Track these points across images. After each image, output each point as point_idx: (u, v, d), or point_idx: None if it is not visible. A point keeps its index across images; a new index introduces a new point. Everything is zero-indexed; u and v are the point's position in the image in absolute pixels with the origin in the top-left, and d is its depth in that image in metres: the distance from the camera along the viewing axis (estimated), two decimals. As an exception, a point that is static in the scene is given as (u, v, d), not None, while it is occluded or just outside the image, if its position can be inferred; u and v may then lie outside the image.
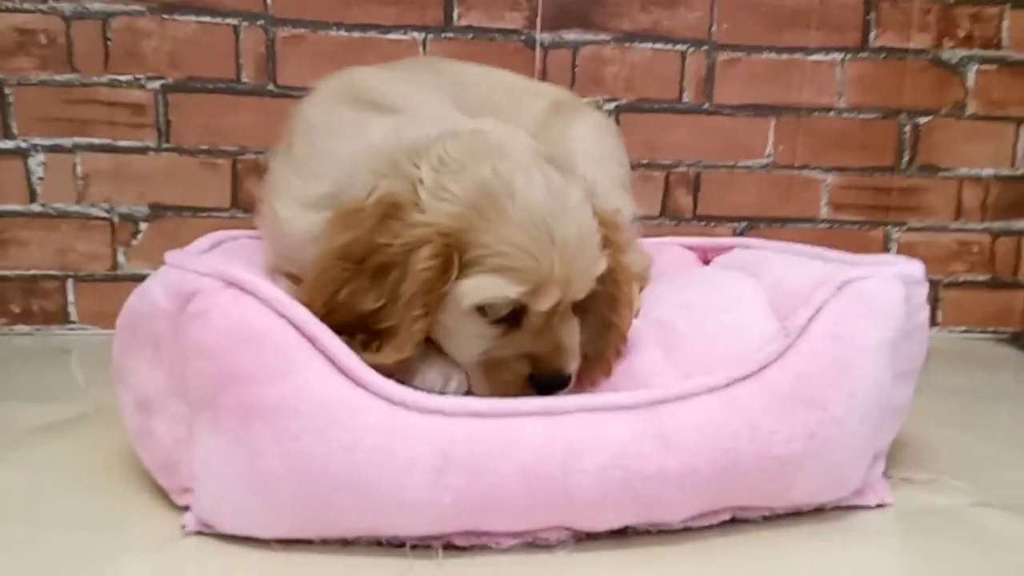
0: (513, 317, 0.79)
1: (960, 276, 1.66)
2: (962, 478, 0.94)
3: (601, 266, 0.81)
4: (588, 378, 0.87)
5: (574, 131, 1.09)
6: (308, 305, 0.75)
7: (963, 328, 1.67)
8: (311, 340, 0.74)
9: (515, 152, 0.78)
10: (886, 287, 0.83)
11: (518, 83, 1.17)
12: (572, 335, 0.82)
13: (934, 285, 1.65)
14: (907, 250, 1.63)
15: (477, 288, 0.76)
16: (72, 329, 1.47)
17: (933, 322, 1.66)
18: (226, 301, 0.74)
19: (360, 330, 0.77)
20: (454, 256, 0.75)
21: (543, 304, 0.77)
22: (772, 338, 0.82)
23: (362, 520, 0.73)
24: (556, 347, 0.80)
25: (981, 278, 1.66)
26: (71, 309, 1.47)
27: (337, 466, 0.71)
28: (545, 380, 0.80)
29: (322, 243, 0.78)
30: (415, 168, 0.77)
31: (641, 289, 1.09)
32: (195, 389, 0.75)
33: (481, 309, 0.78)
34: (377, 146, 0.81)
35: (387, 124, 0.84)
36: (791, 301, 0.92)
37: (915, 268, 0.87)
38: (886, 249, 1.64)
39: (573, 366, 0.82)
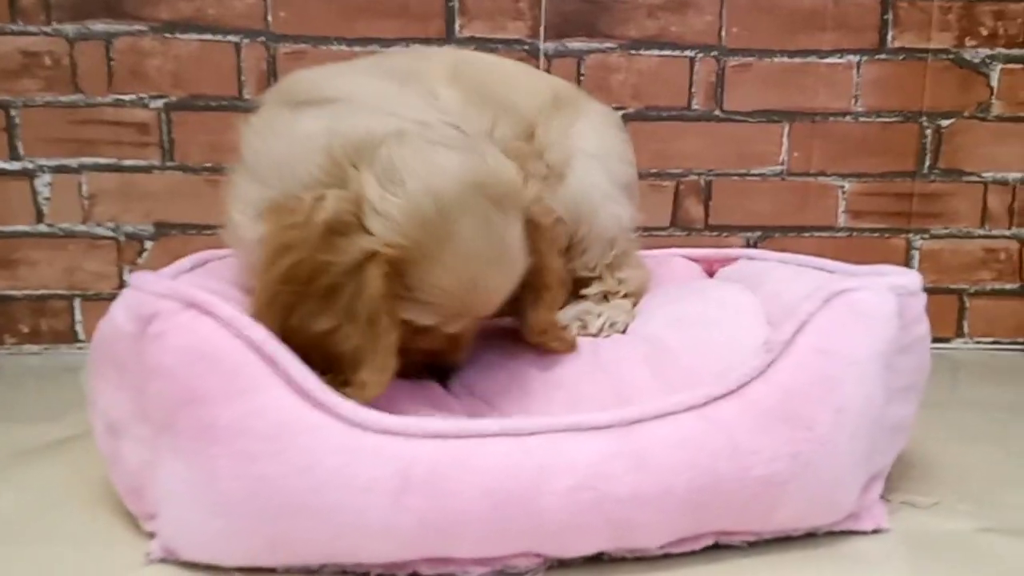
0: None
1: (987, 285, 1.59)
2: (968, 501, 0.89)
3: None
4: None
5: (576, 127, 1.07)
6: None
7: (990, 339, 1.60)
8: (270, 361, 0.72)
9: (459, 179, 0.76)
10: (877, 299, 0.79)
11: (519, 72, 1.13)
12: (470, 334, 0.87)
13: (960, 294, 1.59)
14: (931, 258, 1.57)
15: (404, 309, 0.77)
16: (80, 348, 1.48)
17: (959, 333, 1.60)
18: (185, 322, 0.73)
19: (320, 355, 0.75)
20: (397, 280, 0.75)
21: (454, 328, 0.82)
22: (755, 353, 0.78)
23: (323, 545, 0.71)
24: (453, 345, 0.86)
25: (1009, 287, 1.59)
26: (79, 328, 1.48)
27: (295, 489, 0.69)
28: (438, 369, 0.88)
29: (263, 264, 0.76)
30: (357, 173, 0.75)
31: (635, 304, 1.06)
32: (155, 411, 0.73)
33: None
34: (311, 139, 0.78)
35: (320, 115, 0.81)
36: (785, 312, 0.88)
37: (910, 279, 0.82)
38: (908, 257, 1.58)
39: (464, 356, 0.89)
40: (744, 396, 0.75)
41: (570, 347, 0.93)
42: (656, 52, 1.49)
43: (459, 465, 0.70)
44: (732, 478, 0.73)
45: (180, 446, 0.72)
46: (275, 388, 0.71)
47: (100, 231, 1.46)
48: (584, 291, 1.05)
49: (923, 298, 0.84)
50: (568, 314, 1.02)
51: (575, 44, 1.48)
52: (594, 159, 1.05)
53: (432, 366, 0.87)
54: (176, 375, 0.72)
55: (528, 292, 0.87)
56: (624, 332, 1.00)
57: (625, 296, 1.06)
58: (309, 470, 0.69)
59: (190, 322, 0.73)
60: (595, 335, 0.99)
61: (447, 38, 1.45)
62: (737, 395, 0.75)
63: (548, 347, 0.91)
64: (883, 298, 0.79)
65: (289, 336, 0.74)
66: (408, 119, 0.79)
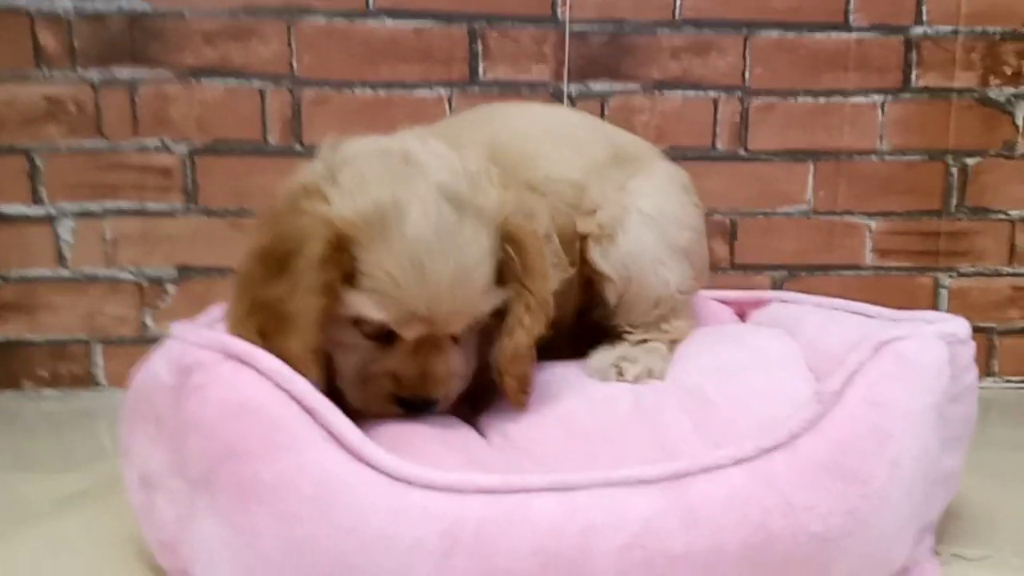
0: (387, 336, 0.81)
1: (1016, 323, 1.57)
2: (1021, 553, 0.86)
3: (486, 304, 0.82)
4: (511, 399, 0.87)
5: (633, 184, 1.03)
6: (234, 310, 0.80)
7: (1020, 378, 1.58)
8: (311, 414, 0.70)
9: (421, 182, 0.79)
10: (927, 348, 0.77)
11: (574, 130, 1.08)
12: (444, 363, 0.84)
13: (989, 333, 1.57)
14: (958, 296, 1.56)
15: (354, 302, 0.78)
16: (100, 392, 1.47)
17: (989, 372, 1.57)
18: (225, 374, 0.72)
19: (271, 326, 0.77)
20: (343, 254, 0.77)
21: (408, 334, 0.81)
22: (804, 404, 0.76)
23: (366, 607, 0.69)
24: (422, 374, 0.83)
25: (1039, 325, 1.57)
26: (98, 372, 1.47)
27: (340, 550, 0.66)
28: (406, 401, 0.83)
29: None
30: (339, 170, 0.80)
31: (672, 349, 1.04)
32: (193, 466, 0.72)
33: (358, 322, 0.80)
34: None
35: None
36: (827, 361, 0.87)
37: (959, 326, 0.81)
38: (936, 296, 1.56)
39: (440, 392, 0.84)
40: (795, 449, 0.73)
41: (518, 400, 0.87)
42: (679, 93, 1.49)
43: (507, 523, 0.68)
44: (786, 535, 0.70)
45: (219, 503, 0.70)
46: (317, 443, 0.69)
47: (122, 275, 1.45)
48: (624, 335, 1.03)
49: (972, 346, 0.82)
50: (605, 359, 1.00)
51: (598, 86, 1.48)
52: (649, 220, 1.01)
53: (404, 400, 0.83)
54: (215, 429, 0.70)
55: (508, 316, 0.85)
56: (662, 379, 0.98)
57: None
58: (354, 530, 0.66)
59: (230, 374, 0.71)
60: (632, 382, 0.96)
61: (471, 81, 1.45)
62: (788, 448, 0.73)
63: (504, 381, 0.86)
64: (934, 347, 0.78)
65: (254, 312, 0.78)
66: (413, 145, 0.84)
